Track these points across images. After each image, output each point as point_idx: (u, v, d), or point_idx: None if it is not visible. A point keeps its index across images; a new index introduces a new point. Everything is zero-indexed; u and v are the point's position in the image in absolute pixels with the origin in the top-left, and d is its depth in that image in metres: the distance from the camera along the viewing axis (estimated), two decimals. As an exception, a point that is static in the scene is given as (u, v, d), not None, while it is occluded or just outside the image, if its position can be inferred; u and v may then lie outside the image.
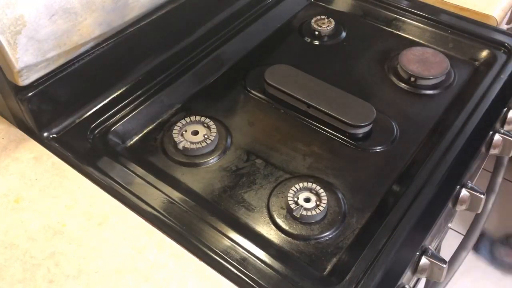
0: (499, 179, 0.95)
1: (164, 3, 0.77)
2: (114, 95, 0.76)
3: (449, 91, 0.83)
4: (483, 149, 0.75)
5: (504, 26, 1.00)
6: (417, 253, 0.60)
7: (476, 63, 0.88)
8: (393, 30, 0.96)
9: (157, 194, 0.63)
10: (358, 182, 0.70)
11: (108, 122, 0.73)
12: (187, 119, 0.74)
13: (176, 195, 0.63)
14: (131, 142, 0.74)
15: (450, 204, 0.67)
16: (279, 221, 0.64)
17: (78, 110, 0.73)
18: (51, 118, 0.70)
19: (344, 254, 0.61)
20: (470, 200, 0.69)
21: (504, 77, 0.82)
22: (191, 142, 0.71)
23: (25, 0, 0.58)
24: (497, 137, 0.76)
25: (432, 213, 0.63)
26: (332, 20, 0.96)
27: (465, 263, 0.98)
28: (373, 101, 0.77)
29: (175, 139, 0.71)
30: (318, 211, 0.62)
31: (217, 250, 0.57)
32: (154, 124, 0.77)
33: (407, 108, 0.80)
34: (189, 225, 0.59)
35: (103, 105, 0.75)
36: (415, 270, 0.61)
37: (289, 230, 0.63)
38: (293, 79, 0.81)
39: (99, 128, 0.73)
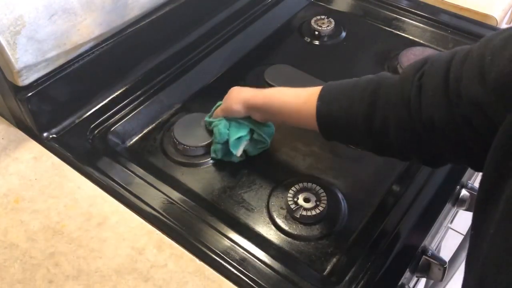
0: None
1: (163, 3, 0.77)
2: (114, 95, 0.76)
3: (449, 91, 0.83)
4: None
5: (504, 26, 1.00)
6: (417, 253, 0.60)
7: (476, 63, 0.88)
8: (393, 30, 0.96)
9: (157, 194, 0.63)
10: (358, 182, 0.69)
11: (108, 122, 0.73)
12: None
13: (176, 195, 0.63)
14: (131, 142, 0.74)
15: (450, 204, 0.67)
16: (279, 221, 0.63)
17: (77, 110, 0.73)
18: (51, 118, 0.70)
19: (344, 254, 0.60)
20: (470, 200, 0.69)
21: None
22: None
23: (24, 1, 0.58)
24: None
25: (432, 213, 0.63)
26: (332, 20, 0.96)
27: (465, 263, 0.98)
28: (373, 101, 0.77)
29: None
30: (317, 211, 0.62)
31: (217, 251, 0.57)
32: (154, 124, 0.77)
33: (407, 108, 0.80)
34: (189, 225, 0.59)
35: (103, 105, 0.75)
36: (415, 270, 0.61)
37: (289, 230, 0.63)
38: (293, 79, 0.81)
39: (99, 128, 0.72)
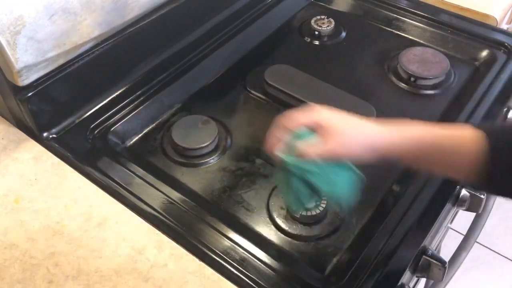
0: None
1: (163, 3, 0.77)
2: (114, 95, 0.76)
3: (449, 91, 0.83)
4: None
5: (504, 26, 1.00)
6: (417, 253, 0.60)
7: (476, 63, 0.88)
8: (393, 30, 0.96)
9: (157, 195, 0.63)
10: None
11: (108, 122, 0.73)
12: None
13: (176, 195, 0.63)
14: (131, 142, 0.74)
15: (450, 204, 0.67)
16: (279, 221, 0.63)
17: (77, 110, 0.73)
18: (51, 118, 0.70)
19: (344, 254, 0.60)
20: (470, 200, 0.69)
21: (504, 77, 0.82)
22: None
23: (24, 1, 0.58)
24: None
25: (432, 213, 0.63)
26: (332, 20, 0.95)
27: (465, 263, 0.98)
28: (373, 101, 0.77)
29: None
30: (317, 211, 0.62)
31: (217, 251, 0.57)
32: (154, 124, 0.77)
33: (407, 108, 0.80)
34: (189, 225, 0.59)
35: (103, 105, 0.75)
36: (415, 270, 0.61)
37: (289, 230, 0.63)
38: (293, 79, 0.81)
39: (99, 128, 0.72)
